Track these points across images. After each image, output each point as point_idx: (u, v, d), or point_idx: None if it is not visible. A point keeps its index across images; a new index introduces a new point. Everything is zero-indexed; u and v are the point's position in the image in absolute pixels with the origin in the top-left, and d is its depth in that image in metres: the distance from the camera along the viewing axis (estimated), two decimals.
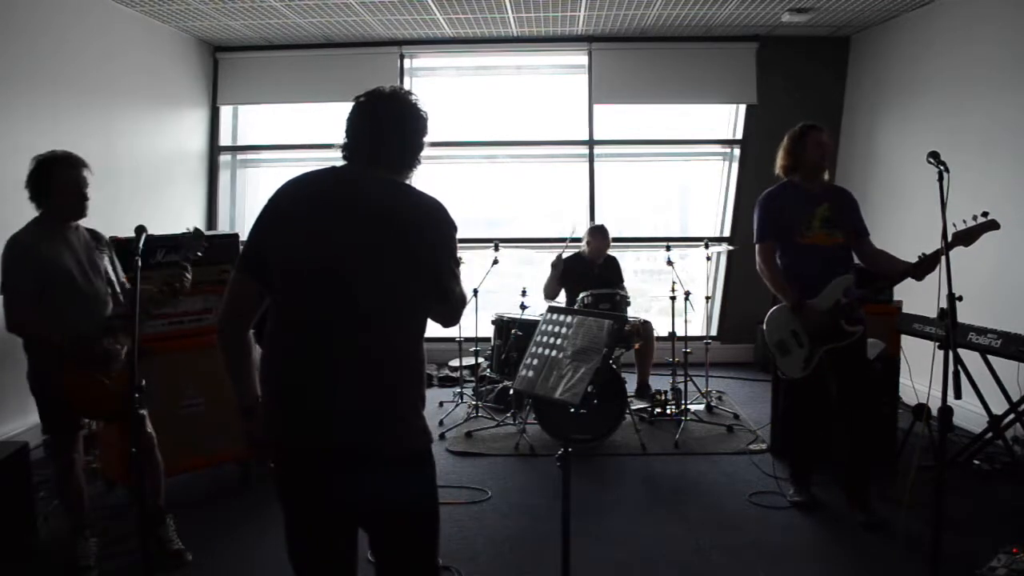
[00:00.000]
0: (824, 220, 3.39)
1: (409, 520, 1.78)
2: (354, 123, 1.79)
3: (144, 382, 2.88)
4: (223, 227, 7.03)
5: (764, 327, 3.56)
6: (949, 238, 2.72)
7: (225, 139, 7.15)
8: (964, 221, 3.01)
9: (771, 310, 3.54)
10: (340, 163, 1.82)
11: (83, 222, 2.98)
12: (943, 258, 2.51)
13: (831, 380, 3.45)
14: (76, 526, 3.02)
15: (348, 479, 1.67)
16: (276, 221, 1.74)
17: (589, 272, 5.37)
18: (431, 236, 1.73)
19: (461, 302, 1.87)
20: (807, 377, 3.42)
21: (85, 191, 2.86)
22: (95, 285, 2.87)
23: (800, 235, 3.40)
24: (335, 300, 1.67)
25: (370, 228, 1.69)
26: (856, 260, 3.50)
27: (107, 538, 3.14)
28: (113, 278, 3.02)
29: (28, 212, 4.39)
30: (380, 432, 1.68)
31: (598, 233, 5.49)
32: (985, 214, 2.98)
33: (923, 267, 3.10)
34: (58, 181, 2.82)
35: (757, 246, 3.52)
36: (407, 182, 1.84)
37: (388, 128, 1.77)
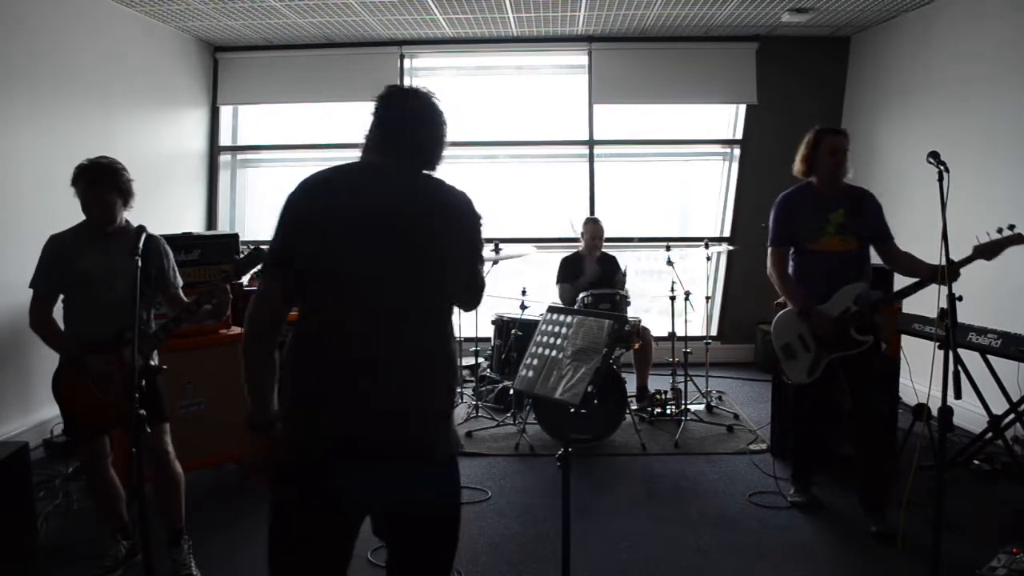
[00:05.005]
0: (839, 226, 3.30)
1: (431, 528, 1.76)
2: (383, 118, 1.79)
3: (162, 394, 2.92)
4: (223, 227, 7.03)
5: (771, 330, 3.53)
6: (947, 237, 2.69)
7: (225, 139, 7.15)
8: (988, 234, 2.94)
9: (779, 313, 3.51)
10: (359, 159, 1.83)
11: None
12: (943, 258, 2.51)
13: (840, 387, 3.40)
14: (110, 527, 3.04)
15: (375, 481, 1.65)
16: (307, 218, 1.69)
17: (588, 270, 5.38)
18: (463, 232, 1.77)
19: (483, 288, 1.94)
20: (813, 382, 3.38)
21: (102, 210, 2.83)
22: (117, 293, 2.78)
23: (812, 241, 3.34)
24: (369, 300, 1.67)
25: (404, 226, 1.69)
26: (880, 263, 3.44)
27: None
28: (146, 287, 2.99)
29: (28, 210, 4.43)
30: (413, 434, 1.68)
31: (589, 222, 5.52)
32: (1012, 227, 2.91)
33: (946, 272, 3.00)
34: (80, 195, 2.83)
35: (769, 249, 3.48)
36: (436, 176, 1.85)
37: (418, 123, 1.79)
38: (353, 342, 1.67)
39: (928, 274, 3.10)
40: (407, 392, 1.67)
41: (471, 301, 1.94)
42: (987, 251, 2.96)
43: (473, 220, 1.81)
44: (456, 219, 1.77)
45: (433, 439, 1.72)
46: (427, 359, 1.70)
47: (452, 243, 1.74)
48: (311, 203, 1.71)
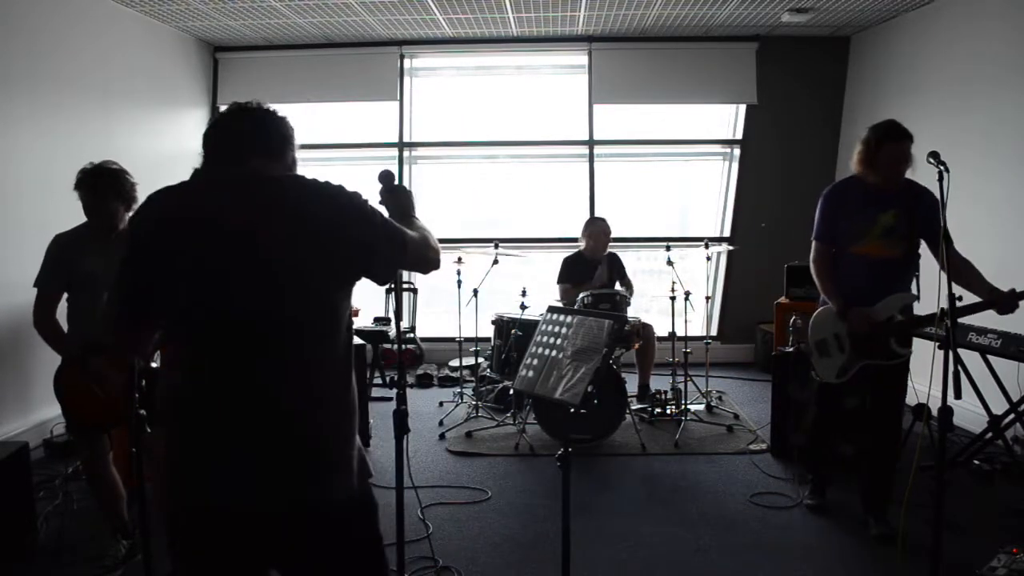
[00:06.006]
0: (886, 229, 3.13)
1: (345, 567, 1.60)
2: (208, 135, 1.61)
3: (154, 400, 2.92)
4: None
5: (810, 323, 3.41)
6: (948, 237, 2.68)
7: None
8: None
9: (819, 308, 3.39)
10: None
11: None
12: (943, 257, 2.50)
13: (856, 391, 3.37)
14: (111, 526, 3.06)
15: (272, 541, 1.51)
16: (148, 258, 1.52)
17: (590, 271, 5.36)
18: (333, 216, 1.50)
19: (424, 245, 1.68)
20: (839, 384, 3.31)
21: (104, 216, 2.85)
22: None
23: (853, 242, 3.19)
24: (234, 334, 1.48)
25: (253, 240, 1.46)
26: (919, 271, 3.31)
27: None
28: None
29: (28, 210, 4.43)
30: (308, 488, 1.50)
31: (592, 224, 5.45)
32: None
33: (1008, 299, 2.89)
34: (82, 200, 2.85)
35: (813, 243, 3.35)
36: (288, 174, 1.62)
37: (238, 122, 1.59)
38: (220, 391, 1.48)
39: (987, 296, 2.93)
40: (288, 437, 1.48)
41: (422, 262, 1.69)
42: None
43: (340, 197, 1.53)
44: (326, 205, 1.50)
45: (326, 492, 1.51)
46: (304, 393, 1.49)
47: (309, 245, 1.47)
48: (156, 234, 1.52)
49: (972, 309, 2.98)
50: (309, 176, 1.57)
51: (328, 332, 1.53)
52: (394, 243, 1.59)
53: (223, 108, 1.66)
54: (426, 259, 1.70)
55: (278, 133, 1.62)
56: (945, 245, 3.13)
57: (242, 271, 1.47)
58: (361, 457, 1.62)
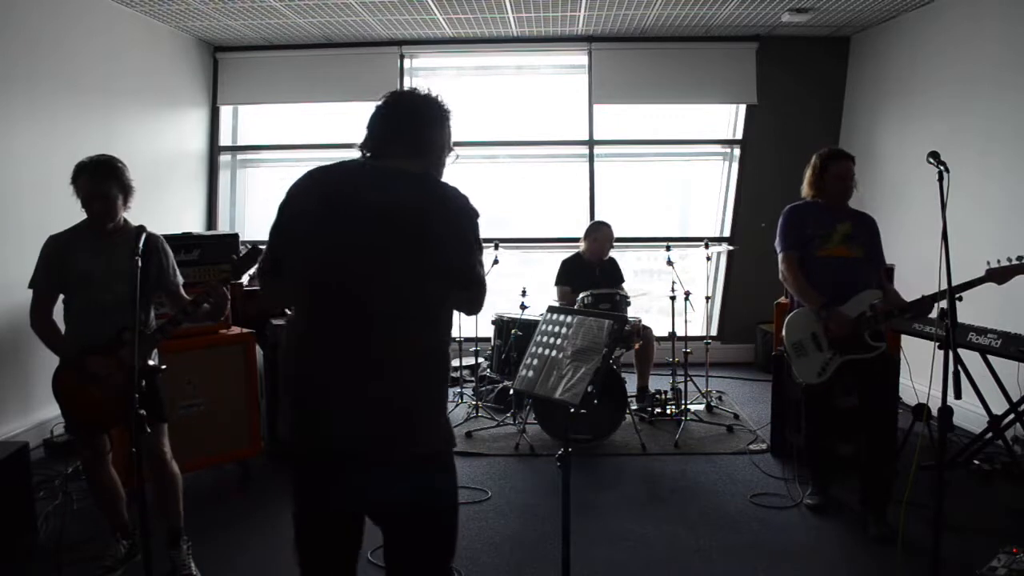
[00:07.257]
0: (845, 236, 3.39)
1: (422, 525, 1.77)
2: (370, 120, 1.81)
3: (162, 395, 2.91)
4: (223, 227, 7.03)
5: (784, 327, 3.52)
6: (947, 237, 2.68)
7: (225, 139, 7.15)
8: (999, 261, 3.04)
9: (793, 311, 3.53)
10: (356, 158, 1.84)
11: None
12: (943, 257, 2.50)
13: (841, 388, 3.43)
14: (111, 526, 3.05)
15: (362, 481, 1.69)
16: (289, 221, 1.75)
17: (590, 274, 5.32)
18: (445, 229, 1.71)
19: (483, 286, 1.85)
20: (820, 384, 3.38)
21: (104, 204, 2.82)
22: (116, 294, 2.77)
23: (818, 248, 3.40)
24: (350, 300, 1.68)
25: (378, 223, 1.68)
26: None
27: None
28: (145, 287, 2.97)
29: (28, 210, 4.43)
30: (396, 437, 1.68)
31: (597, 230, 5.41)
32: (1020, 258, 3.03)
33: (920, 307, 3.14)
34: (79, 190, 2.83)
35: (780, 256, 3.52)
36: (430, 175, 1.81)
37: (397, 118, 1.78)
38: (330, 344, 1.69)
39: (905, 307, 3.24)
40: (393, 389, 1.67)
41: (471, 304, 1.87)
42: (998, 275, 3.05)
43: (462, 218, 1.76)
44: (439, 218, 1.72)
45: (411, 442, 1.71)
46: (409, 361, 1.70)
47: (434, 243, 1.70)
48: (294, 206, 1.75)
49: (889, 315, 3.24)
50: (442, 182, 1.79)
51: (415, 314, 1.70)
52: (474, 264, 1.77)
53: (408, 89, 1.84)
54: (479, 303, 1.87)
55: (417, 134, 1.77)
56: (881, 272, 3.43)
57: (338, 252, 1.68)
58: (447, 426, 1.80)
